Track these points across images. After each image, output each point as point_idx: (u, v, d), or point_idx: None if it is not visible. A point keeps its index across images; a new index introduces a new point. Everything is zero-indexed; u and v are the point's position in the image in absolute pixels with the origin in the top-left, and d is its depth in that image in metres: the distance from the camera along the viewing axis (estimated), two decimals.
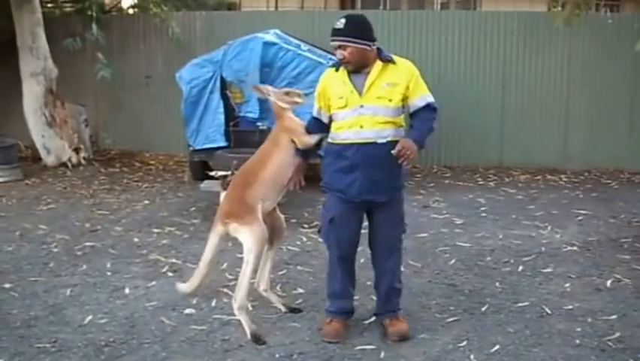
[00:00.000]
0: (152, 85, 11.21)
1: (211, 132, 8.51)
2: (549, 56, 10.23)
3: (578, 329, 4.57)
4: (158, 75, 11.07)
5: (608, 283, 5.47)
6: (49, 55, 10.30)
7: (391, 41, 10.33)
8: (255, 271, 4.57)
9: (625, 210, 7.86)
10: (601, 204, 8.17)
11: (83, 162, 10.45)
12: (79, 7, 11.26)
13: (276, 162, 4.59)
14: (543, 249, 6.39)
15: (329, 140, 4.43)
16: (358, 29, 4.18)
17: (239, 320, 4.52)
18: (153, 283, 5.48)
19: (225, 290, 5.25)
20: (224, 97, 8.58)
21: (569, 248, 6.42)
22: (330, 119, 4.39)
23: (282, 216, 4.90)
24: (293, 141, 4.55)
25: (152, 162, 10.77)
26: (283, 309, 4.84)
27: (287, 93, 4.75)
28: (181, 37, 10.67)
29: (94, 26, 10.16)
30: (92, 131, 11.03)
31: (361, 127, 4.19)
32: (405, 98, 4.25)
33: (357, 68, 4.21)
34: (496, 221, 7.39)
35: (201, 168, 8.68)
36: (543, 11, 11.59)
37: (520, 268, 5.84)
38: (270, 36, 8.60)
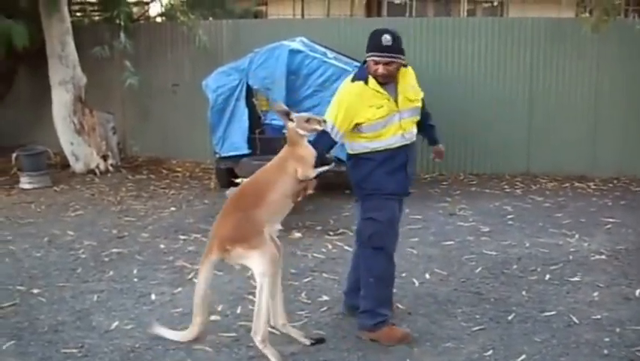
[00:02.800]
0: (179, 93, 11.27)
1: (237, 140, 8.56)
2: (577, 62, 10.14)
3: (606, 339, 4.51)
4: (184, 83, 11.14)
5: (637, 292, 5.39)
6: (78, 63, 10.42)
7: (417, 49, 10.30)
8: (270, 296, 4.22)
9: None
10: (630, 212, 8.06)
11: (110, 169, 10.54)
12: (107, 15, 11.38)
13: (282, 187, 4.34)
14: (571, 257, 6.32)
15: (363, 150, 4.45)
16: (400, 46, 4.37)
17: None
18: (179, 289, 5.52)
19: (250, 297, 5.25)
20: (249, 105, 8.63)
21: (597, 257, 6.35)
22: (341, 136, 4.42)
23: (278, 240, 4.50)
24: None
25: (178, 169, 10.84)
26: (307, 343, 4.47)
27: (308, 120, 4.41)
28: (208, 45, 10.73)
29: (122, 35, 10.28)
30: (119, 139, 11.13)
31: (404, 130, 4.44)
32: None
33: (391, 79, 4.40)
34: (522, 229, 7.32)
35: (227, 176, 8.73)
36: (571, 17, 11.51)
37: (547, 276, 5.78)
38: (295, 44, 8.64)
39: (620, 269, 5.99)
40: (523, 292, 5.39)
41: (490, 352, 4.34)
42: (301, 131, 4.37)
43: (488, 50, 10.28)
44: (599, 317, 4.90)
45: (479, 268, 5.99)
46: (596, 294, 5.37)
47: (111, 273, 5.94)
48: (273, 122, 8.50)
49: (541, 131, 10.27)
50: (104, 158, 10.56)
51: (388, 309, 4.60)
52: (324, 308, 5.05)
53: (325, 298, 5.27)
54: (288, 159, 4.38)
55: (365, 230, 4.54)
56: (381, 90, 4.36)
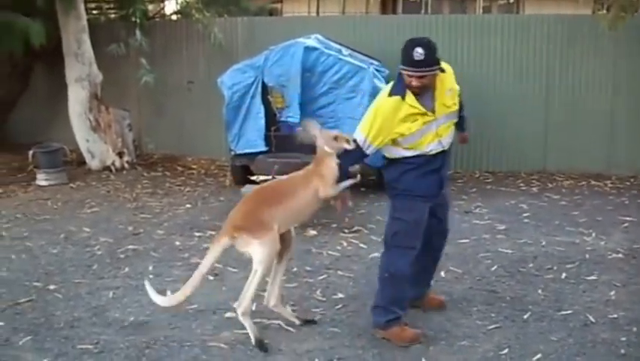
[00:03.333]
0: (194, 90, 11.30)
1: (252, 137, 8.56)
2: (594, 59, 10.06)
3: (623, 339, 4.48)
4: (200, 80, 11.17)
5: None
6: (94, 60, 10.46)
7: None
8: (262, 282, 4.48)
9: None
10: None
11: (126, 165, 10.58)
12: (123, 13, 11.43)
13: (303, 198, 4.52)
14: (587, 256, 6.28)
15: (399, 156, 4.46)
16: (434, 56, 4.28)
17: (279, 324, 4.53)
18: None
19: (265, 294, 5.25)
20: (265, 102, 8.63)
21: (614, 255, 6.30)
22: (374, 150, 4.44)
23: (293, 231, 4.74)
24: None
25: (194, 167, 10.87)
26: (297, 322, 4.73)
27: (335, 138, 4.51)
28: (223, 42, 10.75)
29: (137, 32, 10.31)
30: (135, 136, 11.16)
31: (441, 137, 4.44)
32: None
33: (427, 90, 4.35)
34: (538, 227, 7.28)
35: (243, 173, 8.74)
36: (587, 14, 11.43)
37: (564, 275, 5.75)
38: (311, 41, 8.63)
39: (637, 268, 5.94)
40: (539, 291, 5.36)
41: (506, 350, 4.32)
42: (328, 149, 4.50)
43: (504, 48, 10.22)
44: (615, 316, 4.86)
45: (495, 267, 5.97)
46: (612, 293, 5.33)
47: (127, 269, 5.97)
48: (289, 119, 8.49)
49: (558, 129, 10.21)
50: (120, 155, 10.60)
51: (402, 308, 4.57)
52: (339, 306, 5.04)
53: (340, 295, 5.27)
54: (313, 176, 4.54)
55: (390, 228, 4.58)
56: (417, 105, 4.31)
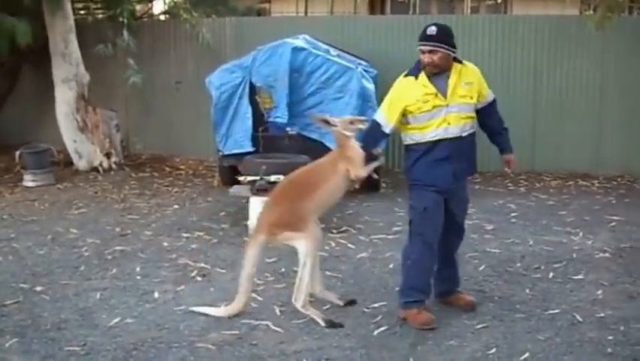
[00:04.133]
0: (182, 90, 11.27)
1: (240, 137, 8.56)
2: (581, 59, 10.10)
3: (610, 338, 4.49)
4: (188, 81, 11.14)
5: None
6: (81, 61, 10.41)
7: None
8: (311, 271, 4.70)
9: None
10: (634, 210, 8.03)
11: (113, 166, 10.54)
12: (110, 13, 11.38)
13: (333, 184, 4.77)
14: (574, 255, 6.30)
15: (411, 141, 4.70)
16: (448, 36, 4.60)
17: (267, 325, 4.52)
18: (182, 287, 5.51)
19: (253, 295, 5.25)
20: (253, 102, 8.62)
21: (601, 255, 6.33)
22: (392, 128, 4.71)
23: (318, 222, 4.95)
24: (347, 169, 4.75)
25: (182, 167, 10.84)
26: (342, 303, 5.00)
27: (352, 122, 4.89)
28: (211, 42, 10.73)
29: (125, 32, 10.26)
30: (122, 136, 11.12)
31: (448, 124, 4.60)
32: (478, 95, 4.74)
33: (440, 72, 4.59)
34: (526, 227, 7.31)
35: (231, 173, 8.73)
36: (575, 14, 11.48)
37: (551, 274, 5.77)
38: (298, 41, 8.63)
39: (624, 267, 5.97)
40: (527, 291, 5.38)
41: (494, 350, 4.33)
42: (348, 133, 4.82)
43: (492, 48, 10.25)
44: (602, 315, 4.88)
45: (483, 266, 5.98)
46: (599, 292, 5.35)
47: (114, 271, 5.94)
48: (277, 120, 8.48)
49: (546, 129, 10.25)
50: (108, 155, 10.56)
51: (422, 293, 4.75)
52: (327, 306, 5.03)
53: None
54: (339, 160, 4.80)
55: (408, 217, 4.83)
56: (429, 85, 4.57)
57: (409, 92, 4.61)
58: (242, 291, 4.79)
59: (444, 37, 4.56)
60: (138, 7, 12.98)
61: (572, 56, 10.10)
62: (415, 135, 4.66)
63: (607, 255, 6.32)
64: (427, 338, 4.49)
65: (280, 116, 8.42)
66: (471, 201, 8.32)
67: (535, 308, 5.01)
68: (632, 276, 5.71)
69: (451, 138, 4.61)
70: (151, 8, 13.47)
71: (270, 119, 8.60)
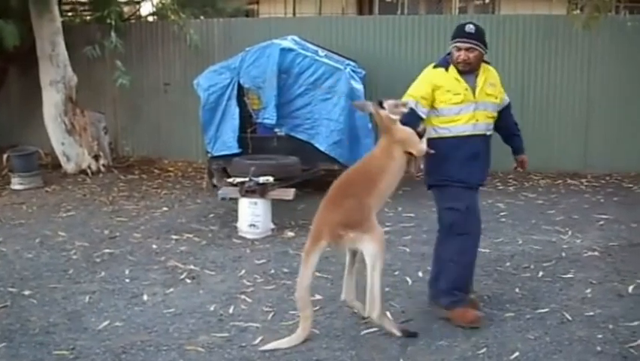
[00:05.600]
0: (171, 92, 11.25)
1: (228, 139, 8.54)
2: (568, 59, 10.15)
3: (599, 336, 4.50)
4: (176, 82, 11.12)
5: (630, 288, 5.38)
6: (68, 63, 10.37)
7: (408, 46, 10.31)
8: (383, 275, 4.53)
9: None
10: (622, 209, 8.07)
11: (102, 169, 10.50)
12: (98, 15, 11.33)
13: (391, 173, 4.58)
14: (563, 254, 6.32)
15: (437, 135, 4.69)
16: (484, 36, 4.69)
17: (256, 327, 4.51)
18: (171, 289, 5.49)
19: (243, 297, 5.25)
20: (241, 104, 8.60)
21: (590, 253, 6.35)
22: (426, 111, 4.67)
23: None
24: (409, 153, 4.59)
25: (170, 169, 10.81)
26: (366, 314, 4.68)
27: (396, 105, 4.65)
28: (199, 44, 10.72)
29: (113, 34, 10.23)
30: (111, 139, 11.09)
31: (477, 120, 4.65)
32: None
33: (471, 70, 4.64)
34: (515, 226, 7.32)
35: (220, 175, 8.71)
36: (562, 14, 11.51)
37: (541, 273, 5.78)
38: (287, 42, 8.63)
39: (613, 266, 5.99)
40: (517, 290, 5.38)
41: (484, 350, 4.33)
42: (394, 116, 4.59)
43: None
44: (592, 313, 4.89)
45: None
46: (588, 291, 5.36)
47: (103, 274, 5.91)
48: (265, 121, 8.47)
49: (534, 128, 10.25)
50: (96, 158, 10.52)
51: (464, 291, 4.76)
52: (317, 307, 5.02)
53: (318, 297, 5.24)
54: (391, 145, 4.59)
55: (446, 220, 4.75)
56: (460, 78, 4.62)
57: (440, 79, 4.64)
58: (304, 308, 4.44)
59: (481, 36, 4.64)
60: (126, 8, 12.94)
61: (559, 55, 10.14)
62: (443, 129, 4.66)
63: (596, 253, 6.34)
64: (418, 339, 4.48)
65: (269, 117, 8.41)
66: None
67: (524, 307, 5.01)
68: (621, 274, 5.73)
69: (478, 135, 4.66)
70: (139, 10, 13.42)
71: (259, 121, 8.59)
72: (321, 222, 4.46)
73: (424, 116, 4.67)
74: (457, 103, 4.61)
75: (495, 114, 4.78)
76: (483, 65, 4.72)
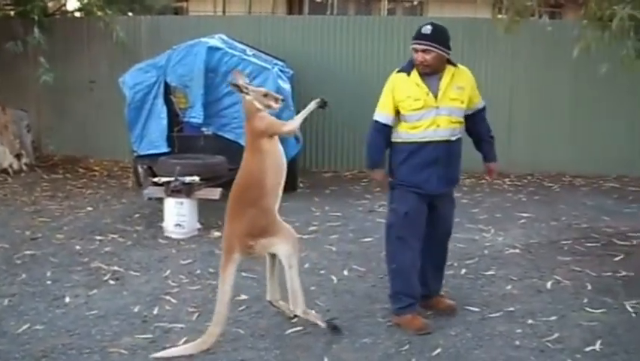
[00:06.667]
0: (97, 90, 11.04)
1: (155, 138, 8.43)
2: (492, 61, 10.39)
3: (518, 331, 4.64)
4: (102, 80, 10.91)
5: (549, 284, 5.56)
6: None
7: (337, 47, 10.38)
8: (299, 272, 4.51)
9: (566, 213, 8.01)
10: (543, 207, 8.32)
11: (24, 168, 10.24)
12: (21, 9, 11.02)
13: (272, 166, 4.48)
14: (486, 252, 6.47)
15: (399, 139, 4.65)
16: (443, 37, 4.56)
17: (181, 328, 4.46)
18: (94, 291, 5.39)
19: (168, 298, 5.20)
20: (167, 102, 8.51)
21: (512, 251, 6.52)
22: (393, 120, 4.63)
23: None
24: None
25: (96, 168, 10.62)
26: (292, 315, 4.71)
27: (265, 95, 4.58)
28: (126, 41, 10.54)
29: (36, 30, 9.97)
30: (34, 137, 10.83)
31: (438, 126, 4.55)
32: (469, 100, 4.70)
33: (433, 72, 4.55)
34: None
35: (146, 174, 8.60)
36: (486, 17, 11.76)
37: (463, 271, 5.90)
38: (214, 41, 8.57)
39: (533, 263, 6.16)
40: None
41: (407, 346, 4.40)
42: (258, 105, 4.51)
43: (407, 49, 10.29)
44: (512, 309, 5.03)
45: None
46: (509, 287, 5.51)
47: (24, 276, 5.76)
48: (192, 120, 8.40)
49: None
50: (18, 157, 10.25)
51: (412, 298, 4.71)
52: (243, 307, 5.02)
53: (244, 296, 5.23)
54: (255, 140, 4.47)
55: (387, 219, 4.78)
56: (421, 83, 4.55)
57: (401, 86, 4.58)
58: (218, 319, 4.31)
59: (439, 37, 4.52)
60: (50, 3, 12.59)
61: (482, 58, 10.36)
62: (403, 134, 4.60)
63: (517, 251, 6.52)
64: (342, 337, 4.52)
65: (195, 116, 8.34)
66: (386, 200, 8.44)
67: None
68: (540, 271, 5.91)
69: (439, 141, 4.56)
70: (64, 5, 13.11)
71: (185, 120, 8.51)
72: (230, 236, 4.45)
73: (390, 123, 4.62)
74: (417, 109, 4.52)
75: (461, 119, 4.68)
76: (450, 67, 4.62)
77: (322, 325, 4.51)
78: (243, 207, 4.43)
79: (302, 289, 4.52)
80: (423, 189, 4.61)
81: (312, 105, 4.68)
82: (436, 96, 4.54)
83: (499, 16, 10.35)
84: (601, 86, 9.72)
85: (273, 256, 4.64)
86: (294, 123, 4.66)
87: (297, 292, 4.48)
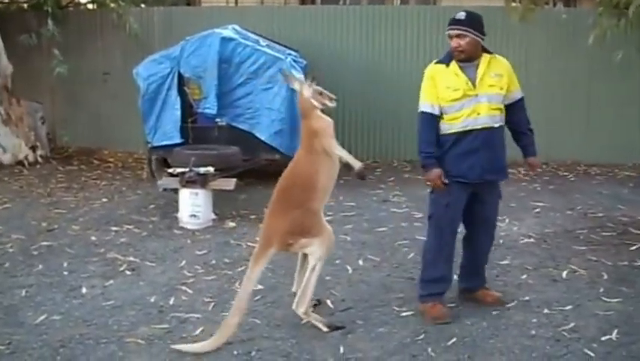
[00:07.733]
0: (110, 81, 11.06)
1: (169, 129, 8.46)
2: (507, 50, 10.23)
3: (534, 320, 4.63)
4: (116, 71, 10.93)
5: (564, 274, 5.55)
6: (3, 51, 10.14)
7: (350, 36, 10.35)
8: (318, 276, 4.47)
9: (581, 202, 7.98)
10: (558, 197, 8.28)
11: (39, 160, 10.31)
12: (34, 2, 11.06)
13: (325, 169, 4.46)
14: (501, 241, 6.44)
15: (443, 131, 4.58)
16: (477, 22, 4.57)
17: (197, 318, 4.48)
18: (111, 281, 5.43)
19: (183, 288, 5.23)
20: (181, 93, 8.53)
21: (526, 240, 6.50)
22: (439, 108, 4.57)
23: None
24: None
25: (110, 160, 10.66)
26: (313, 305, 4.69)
27: (320, 93, 4.58)
28: (139, 32, 10.55)
29: (50, 22, 10.03)
30: (48, 129, 10.88)
31: (478, 114, 4.52)
32: (507, 88, 4.65)
33: (468, 59, 4.54)
34: None
35: (160, 165, 8.63)
36: (500, 6, 11.67)
37: None
38: (228, 32, 8.57)
39: (548, 252, 6.14)
40: (455, 276, 5.44)
41: (422, 336, 4.40)
42: (315, 102, 4.54)
43: (420, 38, 10.38)
44: (527, 298, 5.02)
45: (412, 254, 6.05)
46: (524, 276, 5.50)
47: (40, 267, 5.80)
48: (206, 110, 8.41)
49: None
50: (33, 149, 10.32)
51: (439, 287, 4.73)
52: (258, 297, 5.03)
53: (259, 286, 5.20)
54: (311, 140, 4.48)
55: (429, 209, 4.75)
56: (460, 73, 4.52)
57: (440, 76, 4.56)
58: (235, 315, 4.28)
59: (472, 22, 4.52)
60: None
61: (497, 46, 10.19)
62: (445, 126, 4.55)
63: (532, 240, 6.50)
64: (358, 326, 4.54)
65: (209, 107, 8.35)
66: (401, 189, 8.47)
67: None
68: (555, 260, 5.89)
69: (480, 129, 4.51)
70: None
71: (199, 110, 8.52)
72: (270, 230, 4.45)
73: (438, 114, 4.56)
74: (457, 99, 4.50)
75: (501, 106, 4.62)
76: (486, 55, 4.60)
77: (324, 329, 4.44)
78: (288, 206, 4.43)
79: (312, 293, 4.46)
80: (467, 177, 4.56)
81: (353, 162, 4.56)
82: (474, 84, 4.52)
83: (514, 4, 10.32)
84: (616, 74, 9.66)
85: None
86: (338, 151, 4.52)
87: (307, 293, 4.44)
